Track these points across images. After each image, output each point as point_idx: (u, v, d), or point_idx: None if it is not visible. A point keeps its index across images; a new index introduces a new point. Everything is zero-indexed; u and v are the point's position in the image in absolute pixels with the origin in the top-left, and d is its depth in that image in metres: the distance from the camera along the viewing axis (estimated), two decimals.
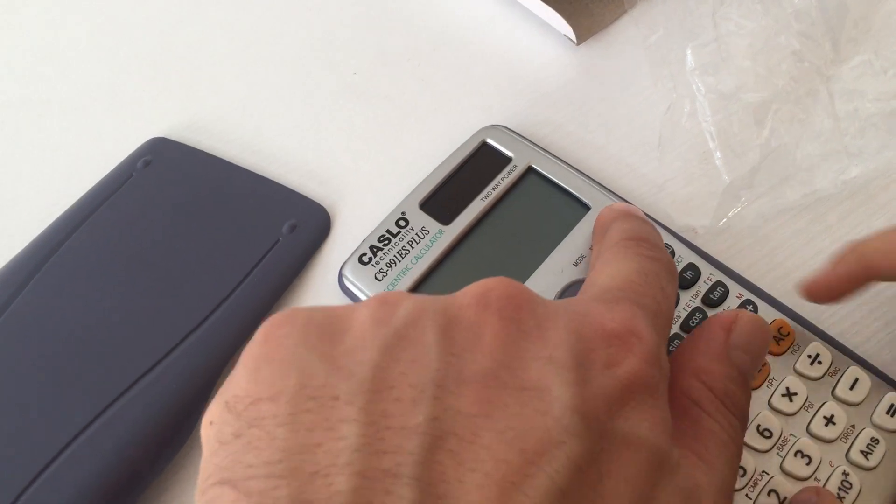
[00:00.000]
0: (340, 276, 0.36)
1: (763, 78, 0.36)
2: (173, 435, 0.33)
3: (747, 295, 0.33)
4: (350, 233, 0.39)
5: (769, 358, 0.31)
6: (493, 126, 0.39)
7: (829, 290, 0.30)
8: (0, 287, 0.37)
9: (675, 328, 0.33)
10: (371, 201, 0.40)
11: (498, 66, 0.44)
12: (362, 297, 0.35)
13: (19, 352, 0.35)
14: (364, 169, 0.42)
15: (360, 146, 0.42)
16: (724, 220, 0.36)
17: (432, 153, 0.39)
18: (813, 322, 0.33)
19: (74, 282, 0.37)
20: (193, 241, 0.38)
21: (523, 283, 0.34)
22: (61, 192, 0.42)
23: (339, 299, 0.37)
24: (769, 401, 0.31)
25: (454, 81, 0.44)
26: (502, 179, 0.37)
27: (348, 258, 0.36)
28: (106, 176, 0.42)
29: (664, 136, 0.39)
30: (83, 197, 0.41)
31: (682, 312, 0.33)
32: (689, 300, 0.33)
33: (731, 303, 0.33)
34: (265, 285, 0.37)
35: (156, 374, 0.34)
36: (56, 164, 0.44)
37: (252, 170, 0.42)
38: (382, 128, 0.43)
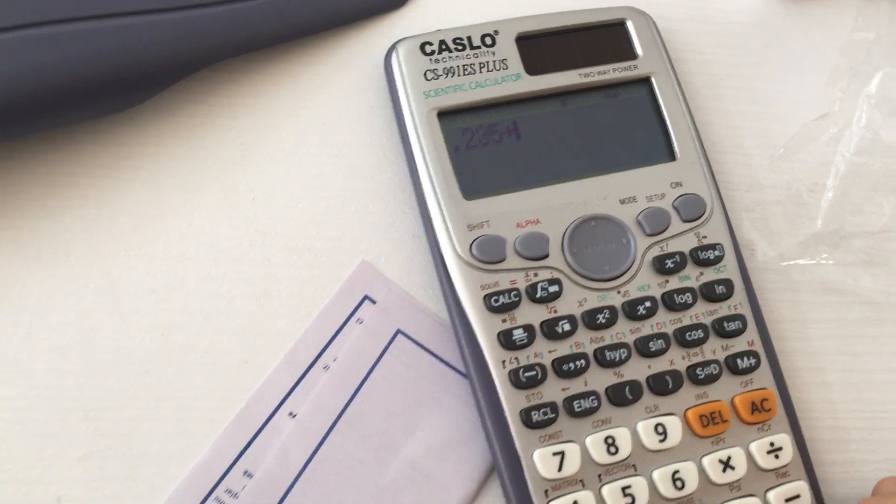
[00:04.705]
0: (391, 50, 0.31)
1: None
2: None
3: (758, 347, 0.29)
4: (421, 17, 0.34)
5: (733, 419, 0.28)
6: (642, 12, 0.32)
7: None
8: None
9: (670, 328, 0.28)
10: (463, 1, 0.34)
11: None
12: (400, 86, 0.30)
13: None
14: None
15: None
16: (791, 262, 0.32)
17: None
18: (799, 417, 0.29)
19: None
20: None
21: (561, 182, 0.29)
22: None
23: (374, 73, 0.32)
24: (701, 458, 0.27)
25: None
26: (613, 70, 0.31)
27: (409, 37, 0.31)
28: None
29: (795, 143, 0.33)
30: None
31: (686, 319, 0.29)
32: (702, 314, 0.29)
33: (739, 344, 0.29)
34: (295, 12, 0.31)
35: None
36: None
37: None
38: None
